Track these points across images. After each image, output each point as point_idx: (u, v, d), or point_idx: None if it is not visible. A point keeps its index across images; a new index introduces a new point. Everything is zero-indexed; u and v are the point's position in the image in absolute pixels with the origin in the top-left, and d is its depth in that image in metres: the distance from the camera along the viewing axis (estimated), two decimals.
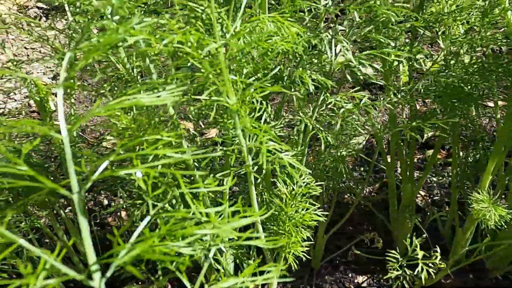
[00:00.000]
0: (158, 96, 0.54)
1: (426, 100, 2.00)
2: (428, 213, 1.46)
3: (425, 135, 1.84)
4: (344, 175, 1.29)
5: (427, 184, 1.68)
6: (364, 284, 1.36)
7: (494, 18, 0.98)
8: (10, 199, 1.01)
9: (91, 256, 0.40)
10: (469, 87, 1.00)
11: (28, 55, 2.77)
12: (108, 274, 0.43)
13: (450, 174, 1.42)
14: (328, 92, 1.00)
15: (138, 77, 0.89)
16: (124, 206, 1.49)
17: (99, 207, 1.69)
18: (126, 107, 0.70)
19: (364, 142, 1.81)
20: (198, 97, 0.66)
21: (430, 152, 1.79)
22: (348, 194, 1.62)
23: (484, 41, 0.98)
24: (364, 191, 1.67)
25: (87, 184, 0.43)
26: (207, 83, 0.64)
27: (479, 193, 1.01)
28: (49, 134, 0.37)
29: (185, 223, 0.56)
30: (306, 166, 1.16)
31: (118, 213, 1.62)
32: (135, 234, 0.49)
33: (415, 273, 1.02)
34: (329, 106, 1.01)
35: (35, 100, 1.15)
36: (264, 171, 0.91)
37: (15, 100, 2.39)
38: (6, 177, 0.48)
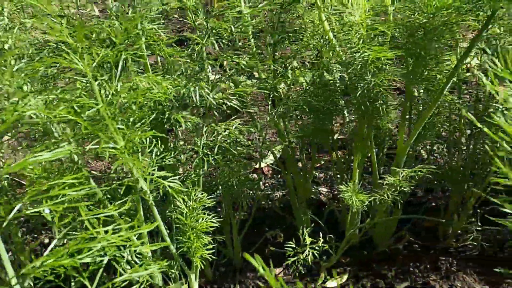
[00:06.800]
0: (55, 153, 0.74)
1: None
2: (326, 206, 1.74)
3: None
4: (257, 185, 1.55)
5: (332, 181, 1.97)
6: (281, 275, 1.59)
7: None
8: None
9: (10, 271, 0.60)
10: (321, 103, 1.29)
11: None
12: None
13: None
14: (215, 122, 1.24)
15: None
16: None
17: (40, 246, 1.84)
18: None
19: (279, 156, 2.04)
20: (93, 146, 0.87)
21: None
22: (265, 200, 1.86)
23: None
24: (279, 195, 1.92)
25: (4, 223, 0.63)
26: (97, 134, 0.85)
27: (345, 186, 1.28)
28: None
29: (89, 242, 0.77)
30: (211, 183, 1.39)
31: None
32: (47, 251, 0.69)
33: (305, 256, 1.27)
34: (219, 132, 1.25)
35: None
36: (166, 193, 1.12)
37: None
38: None
